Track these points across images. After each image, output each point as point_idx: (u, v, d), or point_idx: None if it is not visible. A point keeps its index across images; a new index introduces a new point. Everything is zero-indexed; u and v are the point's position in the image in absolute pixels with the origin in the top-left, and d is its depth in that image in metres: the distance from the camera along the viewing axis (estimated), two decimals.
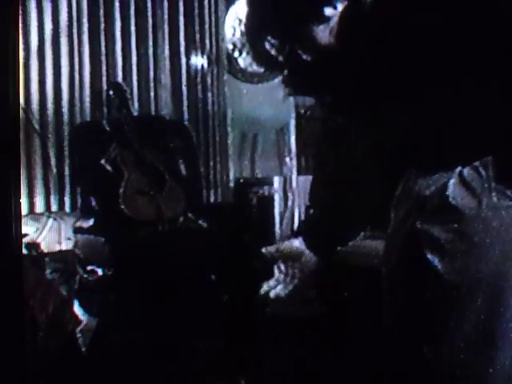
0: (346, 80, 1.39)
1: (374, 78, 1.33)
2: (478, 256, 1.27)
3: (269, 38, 1.41)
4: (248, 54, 1.50)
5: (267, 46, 1.42)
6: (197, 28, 4.27)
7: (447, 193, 1.29)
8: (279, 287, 1.68)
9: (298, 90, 1.61)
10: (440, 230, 1.29)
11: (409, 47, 1.29)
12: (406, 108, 1.33)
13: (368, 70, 1.33)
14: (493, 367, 1.27)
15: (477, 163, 1.30)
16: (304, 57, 1.41)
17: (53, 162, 3.78)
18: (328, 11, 1.36)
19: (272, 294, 1.68)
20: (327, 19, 1.37)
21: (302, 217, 3.64)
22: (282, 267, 1.68)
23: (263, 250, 1.72)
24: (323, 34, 1.38)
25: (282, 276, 1.68)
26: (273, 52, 1.42)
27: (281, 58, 1.43)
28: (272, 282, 1.69)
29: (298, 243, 1.68)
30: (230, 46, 4.28)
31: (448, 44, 1.27)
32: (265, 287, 1.69)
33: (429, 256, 1.29)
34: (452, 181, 1.30)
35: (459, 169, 1.30)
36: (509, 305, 1.27)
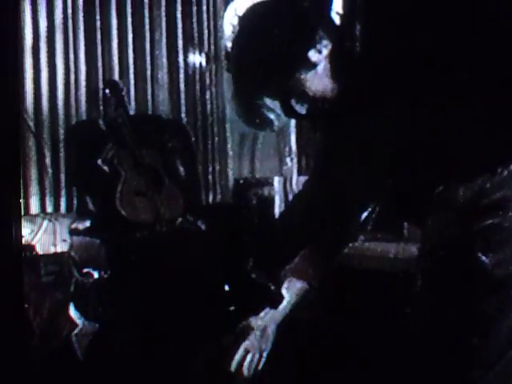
0: (342, 116, 1.43)
1: (371, 108, 1.37)
2: None
3: (263, 99, 1.42)
4: (240, 118, 1.52)
5: (262, 108, 1.42)
6: (195, 25, 4.26)
7: (489, 191, 1.35)
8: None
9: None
10: (487, 227, 1.35)
11: (399, 79, 1.33)
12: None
13: (363, 106, 1.37)
14: None
15: None
16: (298, 108, 1.43)
17: (48, 162, 3.76)
18: (314, 57, 1.37)
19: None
20: (314, 65, 1.38)
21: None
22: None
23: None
24: (313, 81, 1.39)
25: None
26: (267, 113, 1.45)
27: (273, 117, 1.45)
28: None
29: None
30: (229, 44, 4.25)
31: (448, 63, 1.31)
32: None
33: (481, 256, 1.35)
34: (492, 179, 1.36)
35: (499, 169, 1.35)
36: None
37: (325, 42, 1.35)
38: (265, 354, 1.76)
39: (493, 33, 1.27)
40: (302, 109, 1.42)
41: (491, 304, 1.34)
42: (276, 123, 1.45)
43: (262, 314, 1.76)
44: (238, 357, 1.74)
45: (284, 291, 1.74)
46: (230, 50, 1.54)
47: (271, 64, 1.38)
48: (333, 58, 1.36)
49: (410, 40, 1.29)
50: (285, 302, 1.75)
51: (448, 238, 1.42)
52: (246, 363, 1.74)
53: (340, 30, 1.35)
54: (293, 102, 1.40)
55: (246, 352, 1.74)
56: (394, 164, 1.44)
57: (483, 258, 1.34)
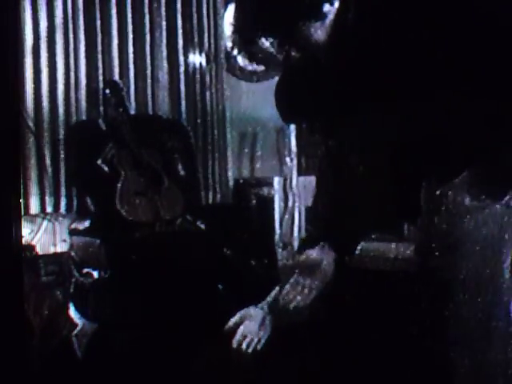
0: (337, 87, 1.41)
1: (370, 81, 1.36)
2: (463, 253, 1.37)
3: (265, 36, 1.40)
4: (240, 52, 1.50)
5: (265, 43, 1.40)
6: (195, 25, 4.25)
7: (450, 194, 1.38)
8: (298, 298, 1.71)
9: (289, 115, 1.62)
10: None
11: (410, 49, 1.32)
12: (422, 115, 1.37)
13: (363, 72, 1.36)
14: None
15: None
16: (296, 56, 1.41)
17: (48, 162, 3.75)
18: (326, 8, 1.36)
19: (291, 306, 1.72)
20: (324, 16, 1.36)
21: (303, 218, 3.68)
22: (301, 280, 1.71)
23: (284, 262, 1.79)
24: (319, 31, 1.38)
25: (300, 288, 1.70)
26: (271, 50, 1.41)
27: (277, 56, 1.43)
28: (291, 295, 1.72)
29: (315, 254, 1.71)
30: (229, 44, 4.26)
31: (455, 48, 1.31)
32: (282, 299, 1.72)
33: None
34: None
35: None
36: (493, 302, 1.36)
37: None
38: (263, 341, 1.79)
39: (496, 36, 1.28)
40: (298, 56, 1.39)
41: (440, 305, 1.39)
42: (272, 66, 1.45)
43: (260, 305, 1.78)
44: (237, 337, 1.76)
45: (288, 285, 1.75)
46: (230, 49, 1.52)
47: (284, 3, 1.37)
48: (341, 12, 1.35)
49: (412, 31, 1.29)
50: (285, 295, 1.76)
51: (436, 236, 1.45)
52: (244, 344, 1.77)
53: None
54: (290, 48, 1.39)
55: (244, 336, 1.77)
56: (394, 164, 1.44)
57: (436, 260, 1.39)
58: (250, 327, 1.80)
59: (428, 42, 1.30)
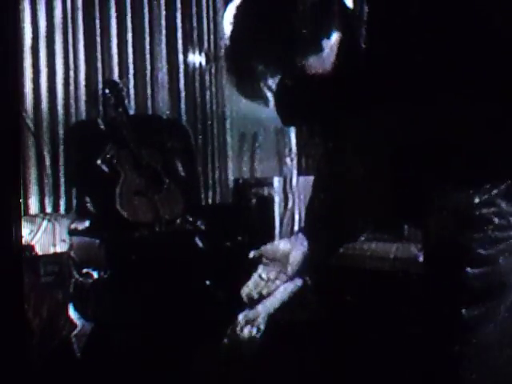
0: (332, 108, 1.42)
1: (370, 85, 1.36)
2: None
3: (259, 64, 1.40)
4: (230, 79, 1.50)
5: (257, 73, 1.40)
6: (194, 25, 4.25)
7: (479, 205, 1.38)
8: (261, 287, 1.71)
9: (287, 119, 1.63)
10: (473, 240, 1.38)
11: (403, 78, 1.33)
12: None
13: (363, 77, 1.36)
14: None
15: None
16: (289, 85, 1.41)
17: (47, 162, 3.74)
18: (323, 42, 1.37)
19: (254, 295, 1.71)
20: (321, 50, 1.37)
21: (303, 215, 3.68)
22: (263, 270, 1.71)
23: (250, 253, 1.74)
24: (315, 63, 1.37)
25: (264, 279, 1.70)
26: (261, 82, 1.42)
27: (265, 89, 1.43)
28: (251, 284, 1.71)
29: (282, 244, 1.70)
30: (227, 43, 4.26)
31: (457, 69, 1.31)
32: (245, 289, 1.72)
33: (465, 266, 1.38)
34: (483, 194, 1.38)
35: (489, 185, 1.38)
36: None
37: (335, 29, 1.35)
38: (256, 346, 1.78)
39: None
40: (291, 89, 1.40)
41: (470, 312, 1.38)
42: (271, 100, 1.44)
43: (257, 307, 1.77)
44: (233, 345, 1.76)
45: (281, 287, 1.74)
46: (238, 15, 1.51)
47: (279, 41, 1.37)
48: (340, 45, 1.36)
49: (418, 39, 1.29)
50: (278, 295, 1.76)
51: (445, 240, 1.44)
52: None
53: (350, 19, 1.34)
54: (286, 80, 1.39)
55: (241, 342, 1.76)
56: (394, 165, 1.45)
57: (467, 268, 1.38)
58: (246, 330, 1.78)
59: (428, 45, 1.30)
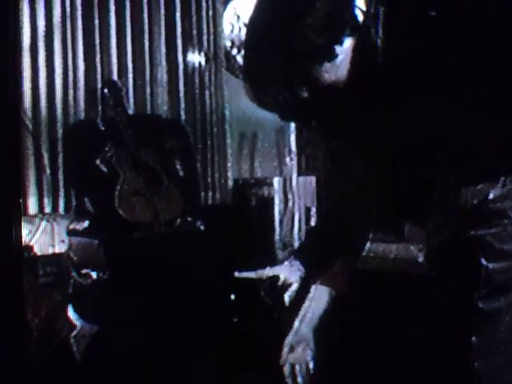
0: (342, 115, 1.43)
1: (373, 84, 1.36)
2: None
3: (275, 74, 1.39)
4: (247, 88, 1.48)
5: (274, 82, 1.39)
6: (194, 24, 4.25)
7: (495, 199, 1.38)
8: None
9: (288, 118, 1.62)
10: (491, 235, 1.39)
11: (412, 79, 1.33)
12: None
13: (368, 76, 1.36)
14: None
15: None
16: (303, 95, 1.40)
17: (46, 162, 3.74)
18: (336, 49, 1.36)
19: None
20: (335, 57, 1.36)
21: (303, 218, 3.69)
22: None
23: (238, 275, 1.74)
24: (329, 71, 1.37)
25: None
26: (278, 93, 1.40)
27: (281, 99, 1.42)
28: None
29: (281, 272, 1.70)
30: (228, 43, 4.27)
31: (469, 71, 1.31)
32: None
33: (483, 261, 1.39)
34: (498, 188, 1.38)
35: (503, 178, 1.38)
36: None
37: (347, 35, 1.35)
38: (311, 366, 1.75)
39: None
40: (302, 95, 1.39)
41: (489, 305, 1.39)
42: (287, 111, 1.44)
43: (294, 328, 1.75)
44: (287, 370, 1.73)
45: (309, 300, 1.74)
46: (229, 48, 1.51)
47: (293, 50, 1.36)
48: (353, 52, 1.36)
49: (429, 42, 1.29)
50: (315, 310, 1.75)
51: (449, 238, 1.45)
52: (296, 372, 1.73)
53: (363, 25, 1.34)
54: (297, 87, 1.38)
55: (293, 365, 1.73)
56: (395, 164, 1.45)
57: (485, 263, 1.39)
58: (296, 355, 1.75)
59: (433, 45, 1.30)
